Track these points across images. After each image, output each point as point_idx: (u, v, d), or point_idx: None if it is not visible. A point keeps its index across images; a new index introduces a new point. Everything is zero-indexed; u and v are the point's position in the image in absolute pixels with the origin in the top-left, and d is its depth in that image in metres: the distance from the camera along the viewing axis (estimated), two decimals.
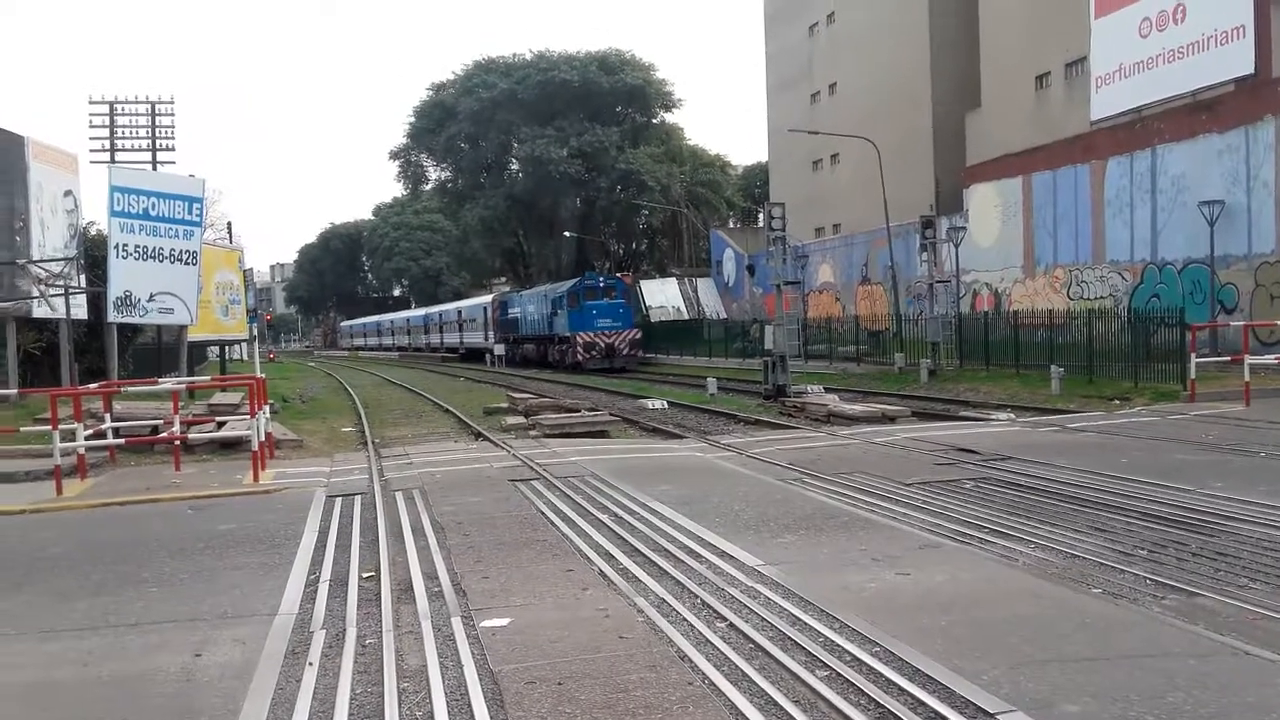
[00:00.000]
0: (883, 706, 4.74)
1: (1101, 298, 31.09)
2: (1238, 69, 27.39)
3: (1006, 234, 36.55)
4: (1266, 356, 19.49)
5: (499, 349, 54.40)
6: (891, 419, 18.06)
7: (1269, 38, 26.62)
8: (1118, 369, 22.94)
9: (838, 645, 5.63)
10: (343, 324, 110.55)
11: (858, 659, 5.40)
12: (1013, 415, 18.75)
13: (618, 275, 53.48)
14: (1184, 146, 28.69)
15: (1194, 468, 11.26)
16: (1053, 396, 21.37)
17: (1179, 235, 28.72)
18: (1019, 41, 37.62)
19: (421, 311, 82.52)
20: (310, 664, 5.72)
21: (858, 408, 19.46)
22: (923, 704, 4.75)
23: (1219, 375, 19.90)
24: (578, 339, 43.17)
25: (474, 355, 61.62)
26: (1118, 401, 19.75)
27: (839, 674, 5.19)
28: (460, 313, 67.69)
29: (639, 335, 45.52)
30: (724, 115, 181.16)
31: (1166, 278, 29.23)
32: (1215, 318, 26.13)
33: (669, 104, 68.09)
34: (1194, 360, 18.70)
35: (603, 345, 43.03)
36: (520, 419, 19.63)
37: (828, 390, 24.45)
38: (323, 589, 7.39)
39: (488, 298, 63.36)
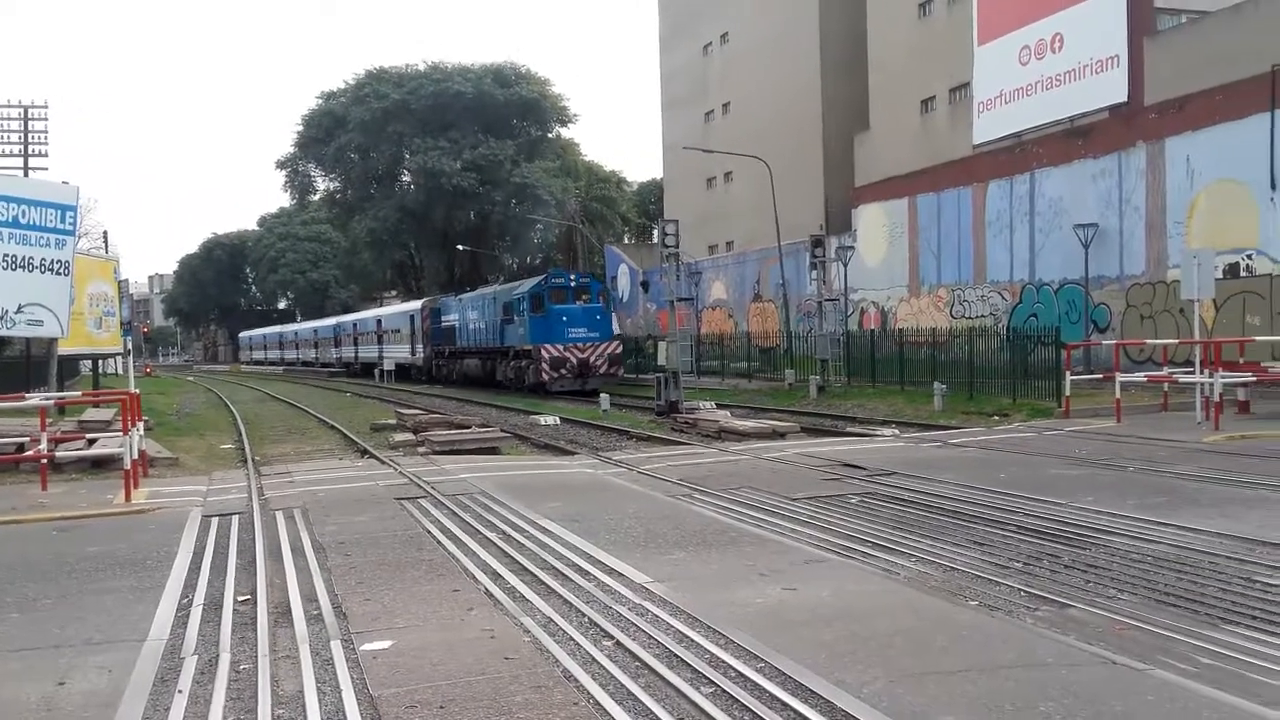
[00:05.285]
0: None
1: (982, 317, 32.07)
2: (1112, 97, 28.60)
3: (893, 254, 37.47)
4: (1136, 374, 20.30)
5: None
6: (781, 435, 18.30)
7: (1142, 67, 27.83)
8: (997, 386, 23.65)
9: (723, 661, 5.64)
10: (241, 335, 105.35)
11: (743, 675, 5.41)
12: (897, 431, 19.17)
13: (592, 274, 44.96)
14: (1061, 171, 29.81)
15: (1067, 482, 11.64)
16: (935, 413, 21.92)
17: (1056, 257, 29.80)
18: (906, 66, 38.63)
19: (331, 321, 73.24)
20: (180, 691, 5.50)
21: (748, 424, 19.66)
22: (805, 718, 4.78)
23: (1092, 392, 20.67)
24: (543, 353, 33.91)
25: (399, 372, 51.94)
26: (997, 417, 20.35)
27: (724, 690, 5.20)
28: (380, 322, 57.84)
29: (619, 349, 36.54)
30: (620, 132, 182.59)
31: (1044, 298, 30.29)
32: (1089, 336, 27.19)
33: (565, 119, 68.10)
34: (1069, 378, 19.40)
35: (574, 361, 33.91)
36: (409, 435, 19.31)
37: (719, 406, 24.71)
38: (195, 613, 7.11)
39: (416, 304, 53.50)
